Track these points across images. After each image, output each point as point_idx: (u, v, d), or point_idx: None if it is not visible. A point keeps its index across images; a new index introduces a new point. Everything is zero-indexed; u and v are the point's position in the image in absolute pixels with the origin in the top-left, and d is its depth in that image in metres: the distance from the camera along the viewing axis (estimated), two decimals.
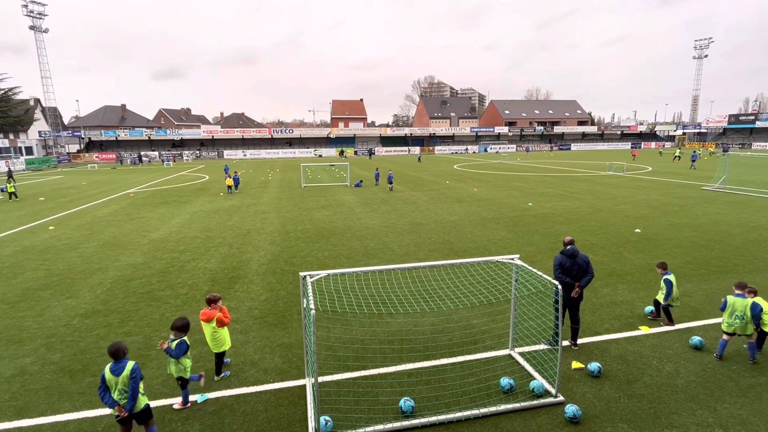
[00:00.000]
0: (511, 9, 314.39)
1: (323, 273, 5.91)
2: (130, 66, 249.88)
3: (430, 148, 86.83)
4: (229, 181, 28.78)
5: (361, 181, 32.41)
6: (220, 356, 6.90)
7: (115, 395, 5.11)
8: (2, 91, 64.56)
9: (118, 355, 5.13)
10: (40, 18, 63.67)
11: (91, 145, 76.87)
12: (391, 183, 28.63)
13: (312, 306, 5.18)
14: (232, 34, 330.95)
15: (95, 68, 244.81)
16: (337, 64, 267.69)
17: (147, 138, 79.26)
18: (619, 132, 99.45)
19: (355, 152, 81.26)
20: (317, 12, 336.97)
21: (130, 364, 5.14)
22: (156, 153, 73.83)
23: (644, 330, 8.19)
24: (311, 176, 40.01)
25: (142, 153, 73.44)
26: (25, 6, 62.03)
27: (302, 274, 5.88)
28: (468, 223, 17.62)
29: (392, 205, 22.47)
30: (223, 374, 7.00)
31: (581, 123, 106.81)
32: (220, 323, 6.73)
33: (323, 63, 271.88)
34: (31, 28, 63.49)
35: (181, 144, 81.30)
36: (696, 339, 7.58)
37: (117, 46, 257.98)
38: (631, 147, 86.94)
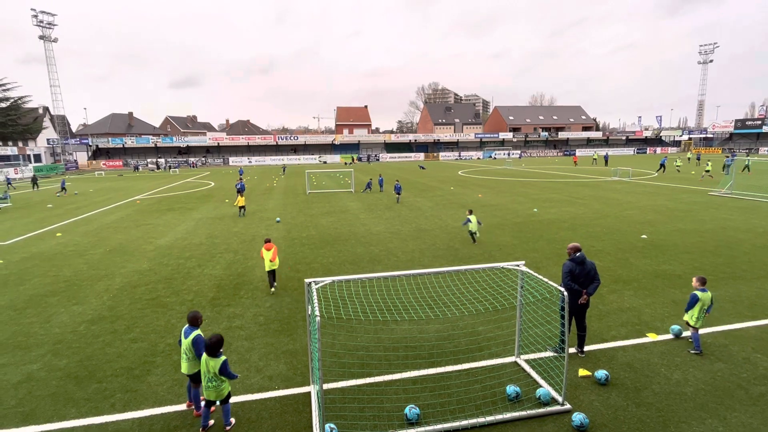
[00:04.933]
0: (524, 18, 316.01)
1: (328, 280, 5.92)
2: (150, 75, 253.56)
3: (435, 154, 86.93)
4: (241, 201, 22.69)
5: (370, 184, 32.40)
6: (273, 273, 10.88)
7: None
8: (12, 100, 65.47)
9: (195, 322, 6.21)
10: (50, 28, 64.72)
11: (98, 153, 77.65)
12: (399, 194, 26.06)
13: (317, 313, 5.18)
14: (251, 44, 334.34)
15: (114, 78, 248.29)
16: (348, 73, 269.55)
17: (153, 145, 79.97)
18: (624, 137, 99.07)
19: (359, 158, 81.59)
20: (335, 23, 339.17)
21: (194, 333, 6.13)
22: (177, 159, 74.50)
23: (652, 337, 8.12)
24: (316, 182, 40.12)
25: (149, 160, 74.10)
26: (35, 16, 63.11)
27: (307, 280, 5.89)
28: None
29: (396, 212, 22.48)
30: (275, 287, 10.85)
31: (586, 128, 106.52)
32: (275, 255, 10.77)
33: (334, 72, 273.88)
34: (41, 37, 64.51)
35: (187, 151, 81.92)
36: (675, 328, 8.10)
37: (138, 56, 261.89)
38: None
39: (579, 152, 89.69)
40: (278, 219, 20.81)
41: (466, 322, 8.72)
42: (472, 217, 15.20)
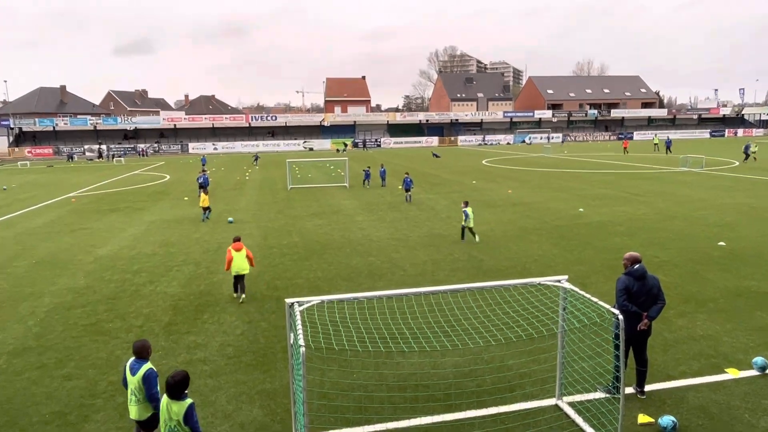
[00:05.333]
0: None
1: (315, 299, 5.92)
2: (89, 39, 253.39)
3: (451, 138, 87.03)
4: (205, 200, 22.33)
5: (368, 173, 32.47)
6: (241, 278, 11.86)
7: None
8: None
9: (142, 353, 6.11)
10: None
11: (22, 137, 78.06)
12: (409, 191, 25.73)
13: (301, 342, 5.18)
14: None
15: (44, 43, 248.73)
16: (341, 35, 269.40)
17: (92, 128, 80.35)
18: (695, 116, 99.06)
19: (355, 144, 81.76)
20: None
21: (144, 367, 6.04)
22: (123, 146, 74.74)
23: (732, 373, 8.08)
24: (299, 175, 40.21)
25: (87, 147, 74.28)
26: None
27: (289, 300, 5.90)
28: (501, 235, 17.59)
29: (403, 212, 22.50)
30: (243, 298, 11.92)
31: (646, 105, 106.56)
32: (250, 258, 11.90)
33: (324, 34, 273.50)
34: None
35: (135, 135, 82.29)
36: (760, 361, 8.08)
37: (75, 14, 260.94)
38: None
39: (637, 135, 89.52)
40: (231, 219, 21.67)
41: (492, 354, 8.71)
42: (469, 210, 16.81)
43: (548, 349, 8.52)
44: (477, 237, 16.86)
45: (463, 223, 16.96)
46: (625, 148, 57.49)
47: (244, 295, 11.98)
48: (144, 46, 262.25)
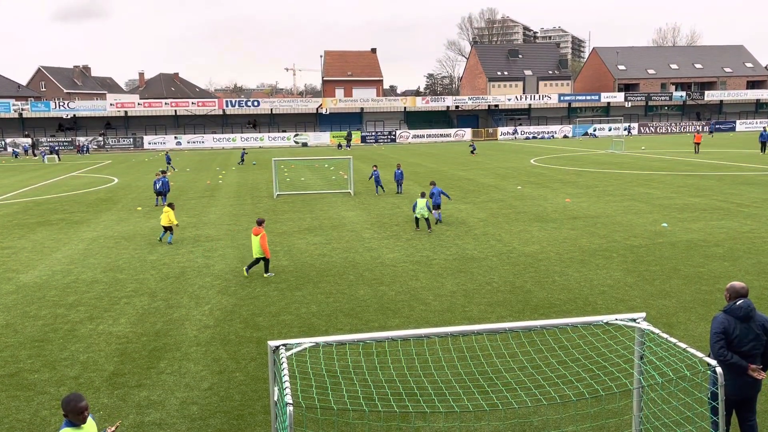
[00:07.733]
0: None
1: (308, 342, 5.90)
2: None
3: (489, 129, 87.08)
4: (170, 215, 20.95)
5: (377, 177, 32.40)
6: (264, 259, 16.46)
7: None
8: None
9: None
10: None
11: None
12: (438, 207, 23.33)
13: (289, 399, 5.17)
14: None
15: None
16: None
17: (17, 115, 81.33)
18: None
19: (363, 139, 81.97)
20: None
21: None
22: (58, 139, 75.65)
23: None
24: (289, 178, 40.35)
25: (10, 141, 75.29)
26: None
27: (273, 343, 5.89)
28: (556, 258, 17.53)
29: (424, 228, 22.46)
30: (270, 273, 16.57)
31: (753, 84, 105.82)
32: (264, 246, 16.19)
33: None
34: None
35: (75, 125, 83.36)
36: None
37: None
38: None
39: (741, 124, 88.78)
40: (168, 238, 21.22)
41: (544, 418, 8.62)
42: (421, 201, 21.12)
43: (620, 411, 8.43)
44: (429, 225, 21.62)
45: (415, 213, 21.43)
46: (696, 143, 53.53)
47: (272, 274, 16.50)
48: (88, 9, 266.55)
